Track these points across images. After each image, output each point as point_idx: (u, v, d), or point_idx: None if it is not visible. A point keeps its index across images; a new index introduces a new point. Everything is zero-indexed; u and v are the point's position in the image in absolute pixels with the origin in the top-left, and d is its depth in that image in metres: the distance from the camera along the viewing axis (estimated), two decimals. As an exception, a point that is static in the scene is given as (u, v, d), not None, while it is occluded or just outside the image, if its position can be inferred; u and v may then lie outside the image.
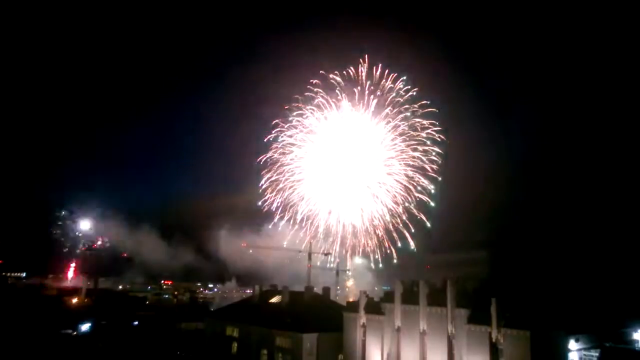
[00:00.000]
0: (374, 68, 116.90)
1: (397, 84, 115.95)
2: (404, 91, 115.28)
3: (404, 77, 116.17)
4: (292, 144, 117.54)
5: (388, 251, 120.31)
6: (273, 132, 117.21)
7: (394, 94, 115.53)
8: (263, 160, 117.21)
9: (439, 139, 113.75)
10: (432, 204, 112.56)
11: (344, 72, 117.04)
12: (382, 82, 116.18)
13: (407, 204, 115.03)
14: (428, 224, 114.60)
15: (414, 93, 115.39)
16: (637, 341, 59.61)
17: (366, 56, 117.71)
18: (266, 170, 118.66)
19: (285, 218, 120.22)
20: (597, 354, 51.40)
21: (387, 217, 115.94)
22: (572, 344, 53.01)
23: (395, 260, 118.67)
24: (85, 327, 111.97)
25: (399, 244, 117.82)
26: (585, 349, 53.67)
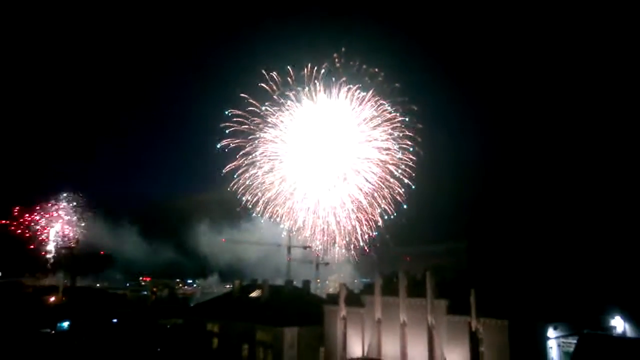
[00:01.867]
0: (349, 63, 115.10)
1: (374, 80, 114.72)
2: (380, 85, 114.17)
3: (382, 73, 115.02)
4: (262, 138, 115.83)
5: (366, 243, 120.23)
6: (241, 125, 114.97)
7: (369, 90, 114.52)
8: (226, 149, 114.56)
9: (412, 126, 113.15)
10: (405, 198, 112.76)
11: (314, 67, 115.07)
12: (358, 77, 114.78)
13: (382, 196, 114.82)
14: (404, 216, 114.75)
15: (389, 87, 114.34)
16: (614, 327, 60.38)
17: (341, 51, 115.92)
18: (233, 163, 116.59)
19: (261, 212, 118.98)
20: (575, 341, 51.80)
21: (364, 208, 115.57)
22: (551, 332, 53.40)
23: (373, 253, 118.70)
24: (64, 325, 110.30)
25: (377, 235, 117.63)
26: (563, 337, 54.12)
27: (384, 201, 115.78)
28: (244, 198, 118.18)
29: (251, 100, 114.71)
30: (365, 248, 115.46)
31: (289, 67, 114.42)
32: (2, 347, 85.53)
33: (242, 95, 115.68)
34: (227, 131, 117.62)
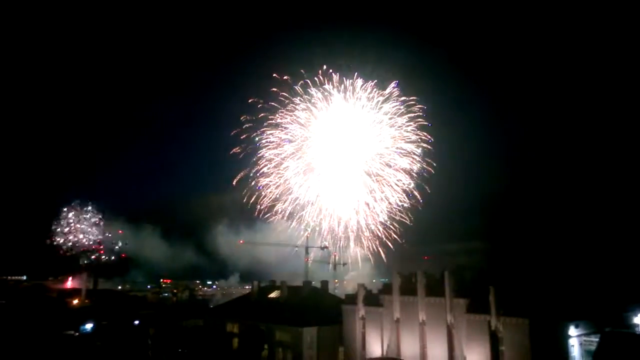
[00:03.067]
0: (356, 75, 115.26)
1: (386, 87, 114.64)
2: (391, 90, 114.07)
3: (395, 82, 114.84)
4: (278, 138, 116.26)
5: (385, 243, 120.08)
6: (259, 130, 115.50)
7: (381, 95, 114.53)
8: (242, 154, 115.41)
9: (427, 125, 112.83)
10: (422, 196, 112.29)
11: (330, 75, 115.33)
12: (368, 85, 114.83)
13: (401, 196, 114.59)
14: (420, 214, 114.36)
15: (400, 92, 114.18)
16: (637, 325, 59.44)
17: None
18: (249, 167, 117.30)
19: (278, 213, 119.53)
20: (597, 339, 51.20)
21: (383, 209, 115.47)
22: (572, 330, 52.85)
23: (392, 252, 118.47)
24: (87, 327, 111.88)
25: (396, 236, 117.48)
26: (585, 335, 53.52)
27: (401, 200, 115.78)
28: (258, 200, 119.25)
29: (263, 104, 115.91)
30: (392, 247, 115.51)
31: (302, 70, 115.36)
32: (28, 348, 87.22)
33: (251, 100, 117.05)
34: (241, 137, 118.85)
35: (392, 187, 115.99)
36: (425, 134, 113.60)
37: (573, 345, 52.96)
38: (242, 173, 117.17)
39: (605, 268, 64.64)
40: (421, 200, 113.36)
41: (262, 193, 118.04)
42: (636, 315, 59.84)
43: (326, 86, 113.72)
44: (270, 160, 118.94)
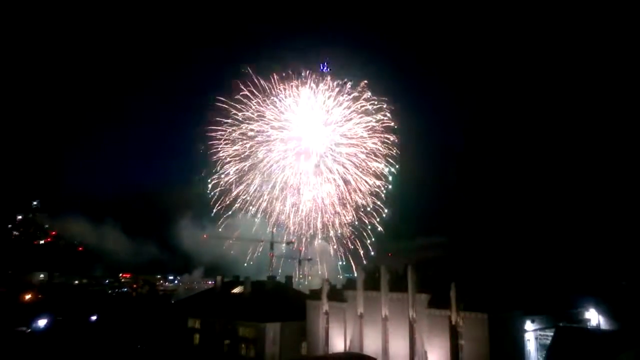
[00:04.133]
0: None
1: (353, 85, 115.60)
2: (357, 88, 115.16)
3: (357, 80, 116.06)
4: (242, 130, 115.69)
5: (350, 239, 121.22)
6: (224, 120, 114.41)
7: (348, 93, 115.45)
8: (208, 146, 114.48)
9: (392, 127, 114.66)
10: (387, 192, 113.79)
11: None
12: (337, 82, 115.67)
13: (364, 195, 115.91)
14: (385, 212, 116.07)
15: (368, 93, 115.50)
16: (589, 320, 62.02)
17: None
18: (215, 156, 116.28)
19: (243, 208, 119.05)
20: (551, 334, 53.12)
21: (348, 206, 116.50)
22: (528, 325, 54.68)
23: (357, 248, 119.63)
24: (41, 323, 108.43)
25: (361, 231, 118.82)
26: (540, 329, 55.48)
27: (363, 197, 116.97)
28: (221, 194, 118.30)
29: (230, 99, 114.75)
30: (356, 242, 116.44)
31: (273, 69, 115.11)
32: None
33: (218, 99, 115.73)
34: (208, 128, 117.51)
35: (357, 183, 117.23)
36: (389, 137, 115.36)
37: (529, 340, 54.87)
38: (204, 171, 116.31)
39: (560, 265, 67.13)
40: (385, 198, 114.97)
41: (227, 188, 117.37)
42: (588, 311, 62.44)
43: (290, 86, 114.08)
44: (236, 154, 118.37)
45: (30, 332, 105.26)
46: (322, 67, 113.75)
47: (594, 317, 62.38)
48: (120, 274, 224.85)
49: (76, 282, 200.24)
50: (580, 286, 64.74)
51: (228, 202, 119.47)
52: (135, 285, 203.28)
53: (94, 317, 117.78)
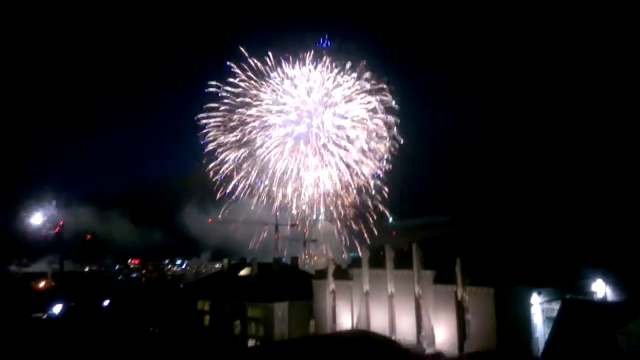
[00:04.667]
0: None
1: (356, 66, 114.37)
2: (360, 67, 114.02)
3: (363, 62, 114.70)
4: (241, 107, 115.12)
5: (353, 220, 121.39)
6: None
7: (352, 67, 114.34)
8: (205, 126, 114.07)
9: (394, 106, 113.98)
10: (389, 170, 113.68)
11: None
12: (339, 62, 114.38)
13: (365, 176, 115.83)
14: (387, 192, 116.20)
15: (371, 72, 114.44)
16: (596, 292, 61.90)
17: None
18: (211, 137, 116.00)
19: (246, 191, 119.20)
20: (558, 306, 53.08)
21: (350, 183, 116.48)
22: (535, 298, 54.72)
23: (361, 228, 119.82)
24: (56, 309, 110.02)
25: (365, 212, 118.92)
26: (547, 302, 55.44)
27: (365, 178, 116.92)
28: (223, 181, 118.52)
29: (230, 83, 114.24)
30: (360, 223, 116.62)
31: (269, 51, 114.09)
32: None
33: (212, 83, 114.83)
34: (206, 114, 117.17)
35: (358, 165, 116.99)
36: (391, 117, 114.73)
37: (535, 313, 54.91)
38: (204, 158, 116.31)
39: (566, 238, 66.83)
40: (386, 177, 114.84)
41: (228, 174, 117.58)
42: (594, 282, 62.29)
43: (287, 69, 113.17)
44: (234, 139, 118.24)
45: (46, 319, 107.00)
46: (322, 42, 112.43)
47: (601, 288, 62.22)
48: (129, 260, 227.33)
49: (87, 269, 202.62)
50: (586, 258, 64.46)
51: (230, 188, 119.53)
52: (144, 271, 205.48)
53: (106, 302, 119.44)
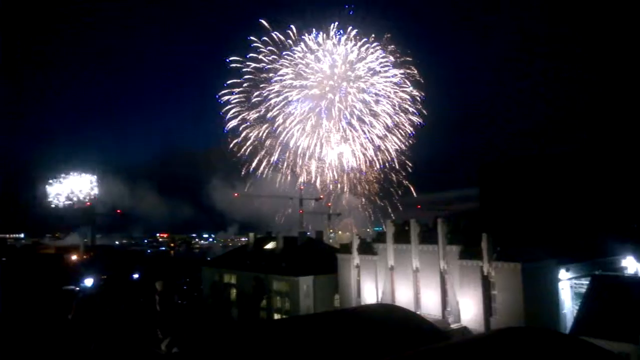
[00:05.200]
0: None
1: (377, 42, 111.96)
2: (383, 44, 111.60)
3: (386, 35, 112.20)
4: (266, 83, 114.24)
5: (377, 195, 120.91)
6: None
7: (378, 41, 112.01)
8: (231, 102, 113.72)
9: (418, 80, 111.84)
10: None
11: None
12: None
13: (392, 146, 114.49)
14: (411, 167, 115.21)
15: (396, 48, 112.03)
16: (626, 268, 60.79)
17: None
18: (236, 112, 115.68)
19: (270, 167, 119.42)
20: (587, 282, 52.35)
21: (374, 158, 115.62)
22: (563, 274, 53.95)
23: (386, 202, 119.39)
24: (87, 282, 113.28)
25: (390, 187, 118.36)
26: (575, 278, 54.69)
27: (393, 148, 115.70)
28: (248, 157, 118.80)
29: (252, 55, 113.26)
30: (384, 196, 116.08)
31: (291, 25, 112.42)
32: (27, 304, 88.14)
33: (231, 58, 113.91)
34: (228, 90, 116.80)
35: (383, 141, 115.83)
36: (415, 91, 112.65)
37: (563, 289, 54.23)
38: (229, 135, 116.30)
39: (596, 212, 65.48)
40: (410, 152, 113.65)
41: (254, 147, 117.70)
42: (625, 258, 61.12)
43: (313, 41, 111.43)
44: (260, 112, 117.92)
45: (79, 291, 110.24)
46: (347, 9, 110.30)
47: (631, 264, 61.06)
48: (158, 234, 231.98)
49: (117, 242, 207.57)
50: (616, 233, 63.20)
51: (254, 164, 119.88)
52: (172, 244, 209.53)
53: (135, 275, 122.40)
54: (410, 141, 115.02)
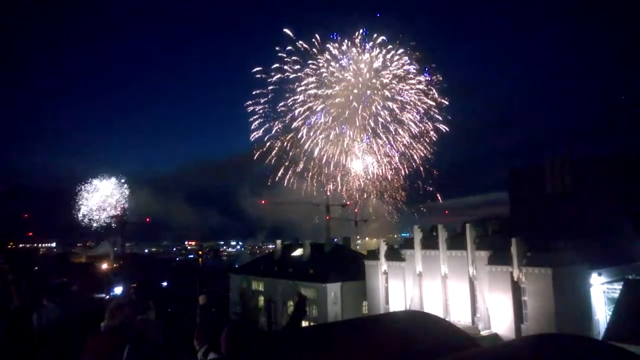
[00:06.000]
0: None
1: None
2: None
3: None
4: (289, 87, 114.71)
5: (403, 202, 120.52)
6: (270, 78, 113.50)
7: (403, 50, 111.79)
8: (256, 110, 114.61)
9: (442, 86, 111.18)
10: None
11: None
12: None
13: (417, 153, 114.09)
14: (435, 173, 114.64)
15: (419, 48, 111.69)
16: (661, 272, 59.23)
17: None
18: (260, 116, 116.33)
19: (296, 173, 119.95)
20: (620, 287, 51.26)
21: (399, 166, 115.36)
22: (595, 278, 52.98)
23: (412, 207, 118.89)
24: (117, 290, 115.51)
25: (417, 191, 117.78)
26: (608, 283, 53.61)
27: (419, 154, 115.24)
28: (272, 166, 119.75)
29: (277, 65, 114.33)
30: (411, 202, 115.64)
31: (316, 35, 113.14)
32: (58, 314, 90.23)
33: (256, 70, 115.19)
34: (257, 101, 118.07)
35: (411, 142, 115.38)
36: (441, 99, 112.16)
37: (596, 294, 53.22)
38: (255, 147, 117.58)
39: (629, 214, 63.96)
40: (436, 159, 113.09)
41: (279, 157, 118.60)
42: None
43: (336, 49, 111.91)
44: (285, 121, 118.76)
45: (109, 299, 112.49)
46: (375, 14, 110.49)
47: (666, 268, 59.50)
48: (187, 242, 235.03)
49: (146, 250, 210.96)
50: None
51: (280, 172, 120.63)
52: (200, 252, 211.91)
53: (164, 283, 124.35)
54: (435, 147, 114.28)
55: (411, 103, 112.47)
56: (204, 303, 9.40)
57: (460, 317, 57.97)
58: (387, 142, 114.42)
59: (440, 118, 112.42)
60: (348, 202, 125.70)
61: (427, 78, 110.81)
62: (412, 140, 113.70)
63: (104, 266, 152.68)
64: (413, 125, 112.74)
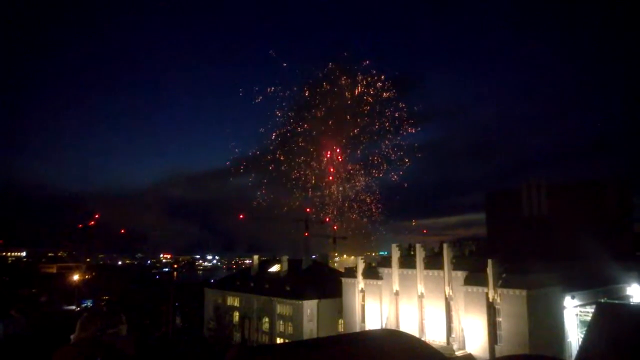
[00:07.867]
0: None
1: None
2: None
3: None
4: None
5: (381, 217, 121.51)
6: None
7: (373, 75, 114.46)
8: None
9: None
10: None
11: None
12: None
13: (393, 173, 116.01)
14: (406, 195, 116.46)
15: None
16: (632, 296, 60.28)
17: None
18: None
19: (275, 188, 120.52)
20: (592, 310, 51.88)
21: (375, 187, 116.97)
22: (568, 301, 53.56)
23: (391, 226, 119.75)
24: (88, 302, 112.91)
25: (393, 209, 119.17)
26: (581, 306, 54.24)
27: (393, 178, 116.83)
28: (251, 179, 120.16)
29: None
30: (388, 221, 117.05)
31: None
32: (26, 324, 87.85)
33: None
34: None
35: (388, 163, 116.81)
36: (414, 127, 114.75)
37: (568, 316, 53.76)
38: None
39: (601, 241, 65.14)
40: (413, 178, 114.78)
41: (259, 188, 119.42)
42: (630, 287, 60.66)
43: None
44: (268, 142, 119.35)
45: (79, 311, 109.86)
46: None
47: (636, 292, 60.58)
48: (162, 254, 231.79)
49: (119, 262, 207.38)
50: (622, 261, 62.73)
51: (262, 189, 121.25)
52: (175, 265, 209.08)
53: (137, 296, 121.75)
54: (404, 171, 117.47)
55: (387, 129, 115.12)
56: (179, 321, 9.30)
57: (435, 336, 58.01)
58: (362, 167, 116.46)
59: (416, 144, 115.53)
60: (327, 219, 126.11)
61: (403, 105, 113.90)
62: (386, 164, 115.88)
63: (75, 277, 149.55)
64: (389, 151, 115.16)
